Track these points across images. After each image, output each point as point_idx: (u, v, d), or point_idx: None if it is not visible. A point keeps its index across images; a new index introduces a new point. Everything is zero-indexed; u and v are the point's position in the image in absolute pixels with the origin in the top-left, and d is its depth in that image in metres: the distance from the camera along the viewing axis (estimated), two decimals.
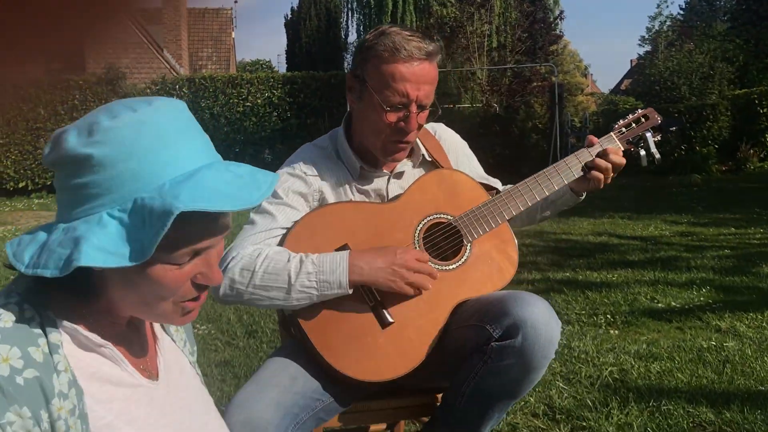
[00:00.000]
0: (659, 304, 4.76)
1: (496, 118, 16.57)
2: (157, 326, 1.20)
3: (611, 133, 2.02)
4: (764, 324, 4.16)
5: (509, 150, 15.98)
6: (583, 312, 4.58)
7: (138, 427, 1.02)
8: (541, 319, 1.62)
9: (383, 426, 2.25)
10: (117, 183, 0.93)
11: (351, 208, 1.83)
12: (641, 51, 44.06)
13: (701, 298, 4.88)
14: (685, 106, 16.51)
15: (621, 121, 2.06)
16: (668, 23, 40.54)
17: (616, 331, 4.14)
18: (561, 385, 3.22)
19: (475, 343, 1.68)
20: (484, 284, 1.81)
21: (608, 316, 4.46)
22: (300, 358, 1.75)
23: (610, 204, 10.70)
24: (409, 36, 1.75)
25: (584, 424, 2.80)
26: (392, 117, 1.78)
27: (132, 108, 0.96)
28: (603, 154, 1.91)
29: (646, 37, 44.39)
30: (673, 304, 4.75)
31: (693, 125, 16.08)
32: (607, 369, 3.41)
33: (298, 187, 1.85)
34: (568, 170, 1.94)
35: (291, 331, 1.82)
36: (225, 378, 3.39)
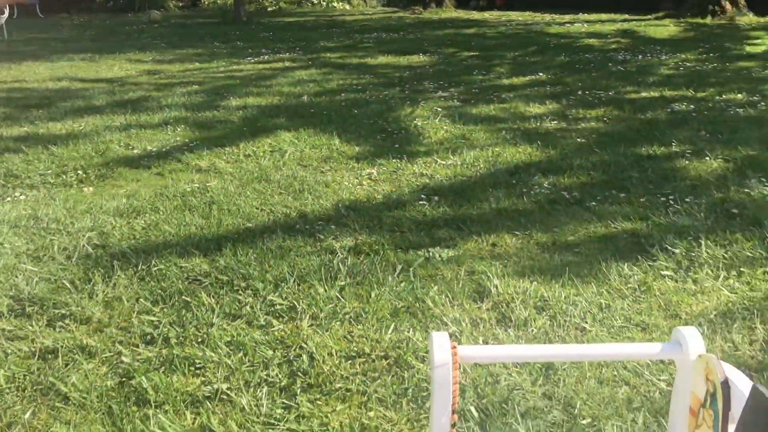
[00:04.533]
0: (135, 150, 4.35)
1: None
2: None
3: None
4: (241, 157, 4.13)
5: None
6: (50, 171, 3.89)
7: None
8: None
9: None
10: None
11: None
12: None
13: (178, 138, 4.62)
14: None
15: None
16: None
17: (91, 188, 3.62)
18: (29, 266, 2.61)
19: None
20: None
21: (80, 172, 3.88)
22: None
23: (67, 45, 9.68)
24: None
25: (64, 311, 2.30)
26: None
27: None
28: None
29: None
30: (150, 148, 4.40)
31: None
32: (84, 236, 2.91)
33: None
34: None
35: None
36: None
